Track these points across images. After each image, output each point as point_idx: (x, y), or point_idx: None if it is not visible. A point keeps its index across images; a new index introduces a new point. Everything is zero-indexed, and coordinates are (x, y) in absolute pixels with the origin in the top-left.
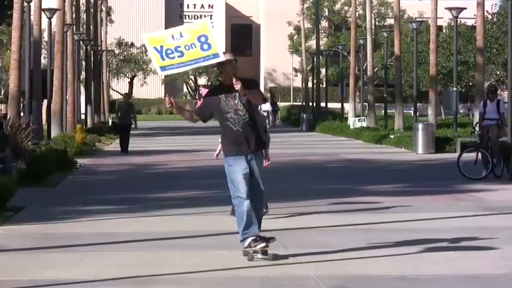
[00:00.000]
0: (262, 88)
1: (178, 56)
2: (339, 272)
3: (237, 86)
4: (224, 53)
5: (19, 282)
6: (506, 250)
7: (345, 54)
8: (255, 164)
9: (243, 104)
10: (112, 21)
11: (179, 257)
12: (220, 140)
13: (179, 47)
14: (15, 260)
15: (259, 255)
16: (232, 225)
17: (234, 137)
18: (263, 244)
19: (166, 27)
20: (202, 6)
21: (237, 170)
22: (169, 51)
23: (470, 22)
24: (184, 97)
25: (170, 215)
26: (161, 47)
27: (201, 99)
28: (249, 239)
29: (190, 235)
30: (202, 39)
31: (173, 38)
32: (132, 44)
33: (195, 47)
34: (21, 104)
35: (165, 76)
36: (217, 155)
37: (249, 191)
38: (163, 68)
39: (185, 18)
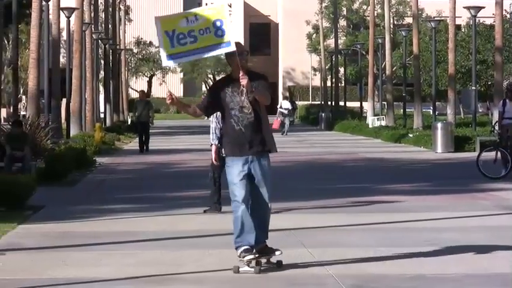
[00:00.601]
0: (280, 87)
1: (191, 42)
2: (358, 271)
3: (243, 81)
4: (236, 43)
5: (40, 281)
6: None
7: (364, 53)
8: (257, 168)
9: (250, 101)
10: (130, 20)
11: (197, 256)
12: (211, 141)
13: (192, 31)
14: (35, 258)
15: (246, 267)
16: None
17: (235, 137)
18: (251, 256)
19: None
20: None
21: (234, 173)
22: (181, 37)
23: (488, 21)
24: (203, 96)
25: (188, 213)
26: (174, 31)
27: None
28: (241, 249)
29: (207, 234)
30: (218, 23)
31: (187, 20)
32: (151, 43)
33: (209, 32)
34: (40, 103)
35: (184, 75)
36: (215, 159)
37: (249, 196)
38: (170, 57)
39: None
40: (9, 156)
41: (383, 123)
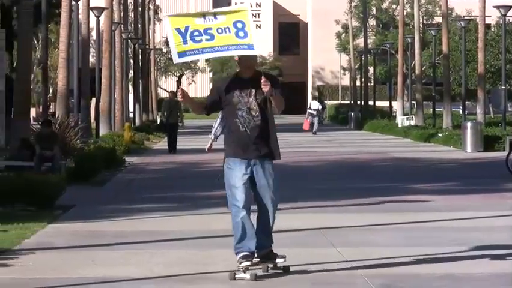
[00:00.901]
0: (309, 86)
1: (207, 40)
2: (387, 271)
3: (266, 87)
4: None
5: (70, 280)
6: None
7: (393, 52)
8: (260, 172)
9: (258, 104)
10: (159, 20)
11: (226, 255)
12: (211, 136)
13: (210, 29)
14: (65, 257)
15: (242, 274)
16: (280, 223)
17: (239, 139)
18: (248, 263)
19: None
20: (250, 4)
21: (237, 175)
22: (195, 33)
23: None
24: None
25: (216, 213)
26: (187, 28)
27: None
28: (240, 255)
29: None
30: (239, 25)
31: (205, 18)
32: None
33: (229, 31)
34: (70, 103)
35: (213, 75)
36: (209, 148)
37: (250, 201)
38: (182, 54)
39: None
40: (39, 155)
41: (413, 122)
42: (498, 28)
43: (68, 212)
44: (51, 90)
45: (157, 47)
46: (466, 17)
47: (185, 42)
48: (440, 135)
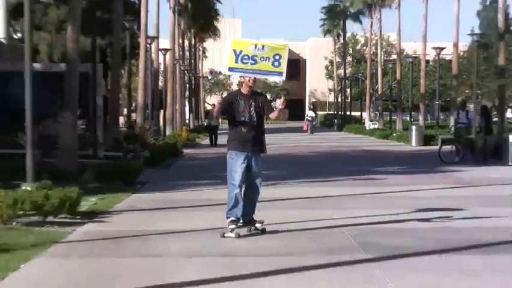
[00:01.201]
0: (307, 102)
1: (251, 64)
2: (359, 225)
3: (273, 115)
4: None
5: (149, 231)
6: (473, 210)
7: (363, 79)
8: (253, 161)
9: (256, 112)
10: (206, 57)
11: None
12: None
13: (256, 56)
14: (144, 216)
15: (230, 233)
16: (280, 194)
17: (242, 137)
18: (233, 226)
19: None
20: None
21: (237, 164)
22: (245, 57)
23: (448, 57)
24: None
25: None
26: (241, 52)
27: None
28: (230, 219)
29: (275, 199)
30: (277, 57)
31: (255, 47)
32: (220, 72)
33: (268, 60)
34: (146, 113)
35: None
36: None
37: (243, 182)
38: (231, 69)
39: None
40: (125, 149)
41: (376, 126)
42: (434, 62)
43: (144, 186)
44: (133, 105)
45: (204, 75)
46: (412, 55)
47: (236, 61)
48: (394, 134)
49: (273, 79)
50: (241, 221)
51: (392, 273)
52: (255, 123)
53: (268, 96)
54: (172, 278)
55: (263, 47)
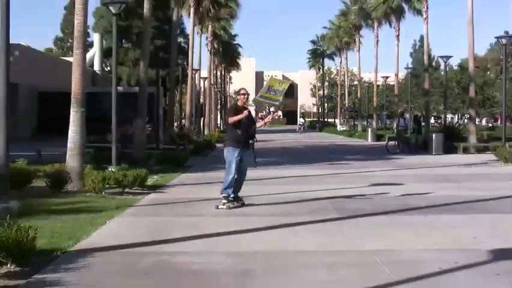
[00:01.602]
0: (298, 112)
1: (273, 94)
2: (332, 195)
3: (269, 119)
4: (242, 88)
5: (193, 199)
6: (409, 186)
7: (336, 97)
8: (244, 156)
9: (248, 120)
10: (231, 82)
11: (276, 189)
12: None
13: (277, 90)
14: (190, 189)
15: (222, 206)
16: (275, 173)
17: (239, 138)
18: (225, 201)
19: (257, 85)
20: (272, 75)
21: (234, 158)
22: (272, 91)
23: (392, 82)
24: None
25: (274, 169)
26: (270, 87)
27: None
28: (224, 195)
29: (305, 175)
30: (281, 88)
31: (279, 84)
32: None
33: (279, 93)
34: (192, 120)
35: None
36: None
37: (237, 170)
38: (261, 97)
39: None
40: (177, 143)
41: (344, 128)
42: (383, 86)
43: (190, 168)
44: (183, 114)
45: (230, 95)
46: (368, 82)
47: (267, 92)
48: (357, 134)
49: (272, 102)
50: (231, 195)
51: (355, 226)
52: (247, 128)
53: (272, 109)
54: (208, 230)
55: (281, 84)
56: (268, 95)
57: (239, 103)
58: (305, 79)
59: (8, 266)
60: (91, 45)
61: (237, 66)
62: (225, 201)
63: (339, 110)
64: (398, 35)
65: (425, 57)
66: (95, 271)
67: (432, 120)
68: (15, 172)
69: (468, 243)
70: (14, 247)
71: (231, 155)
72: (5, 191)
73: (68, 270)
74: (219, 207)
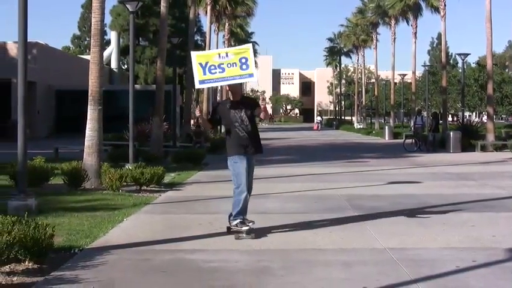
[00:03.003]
0: (315, 110)
1: (219, 72)
2: (348, 192)
3: (264, 114)
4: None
5: (209, 197)
6: (426, 184)
7: (353, 95)
8: (251, 164)
9: (248, 117)
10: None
11: (307, 186)
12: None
13: (222, 64)
14: (206, 187)
15: (244, 235)
16: (293, 171)
17: (240, 141)
18: (246, 228)
19: (274, 82)
20: (289, 73)
21: (242, 166)
22: (212, 67)
23: (409, 80)
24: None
25: (295, 166)
26: (206, 63)
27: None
28: (237, 221)
29: (323, 173)
30: (243, 60)
31: (219, 56)
32: (257, 91)
33: (236, 65)
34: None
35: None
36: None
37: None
38: (201, 82)
39: (283, 83)
40: (194, 141)
41: (361, 126)
42: (400, 84)
43: (207, 167)
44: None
45: (247, 94)
46: (385, 79)
47: (204, 73)
48: (374, 132)
49: (244, 81)
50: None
51: (372, 224)
52: (248, 126)
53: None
54: (225, 228)
55: (227, 54)
56: (212, 75)
57: (231, 96)
58: (322, 77)
59: (26, 263)
60: (108, 43)
61: None
62: (245, 228)
63: (356, 108)
64: (415, 33)
65: (443, 55)
66: (112, 268)
67: (450, 118)
68: (32, 170)
69: (486, 242)
70: (32, 244)
71: (237, 165)
72: (23, 188)
73: (85, 267)
74: (239, 236)
